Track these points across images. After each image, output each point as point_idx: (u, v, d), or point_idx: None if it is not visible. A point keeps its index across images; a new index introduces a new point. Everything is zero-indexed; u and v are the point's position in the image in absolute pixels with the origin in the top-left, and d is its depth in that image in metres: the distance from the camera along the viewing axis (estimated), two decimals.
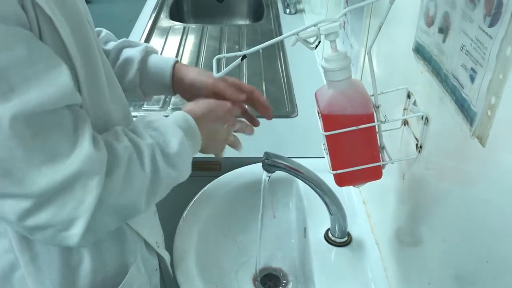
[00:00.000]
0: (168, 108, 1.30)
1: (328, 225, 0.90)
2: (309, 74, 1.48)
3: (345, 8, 0.57)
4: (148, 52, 0.85)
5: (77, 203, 0.52)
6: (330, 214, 0.87)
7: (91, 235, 0.55)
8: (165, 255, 0.85)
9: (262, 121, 1.25)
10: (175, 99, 1.34)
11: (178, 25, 1.85)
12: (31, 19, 0.49)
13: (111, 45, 0.85)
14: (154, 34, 1.75)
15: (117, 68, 0.84)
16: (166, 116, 0.69)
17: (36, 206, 0.50)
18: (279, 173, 0.86)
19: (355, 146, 0.64)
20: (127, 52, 0.84)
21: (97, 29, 0.87)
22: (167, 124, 0.65)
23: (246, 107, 0.88)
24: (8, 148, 0.48)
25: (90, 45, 0.61)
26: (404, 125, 0.70)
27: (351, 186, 0.97)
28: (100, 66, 0.63)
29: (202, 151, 0.73)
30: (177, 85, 0.85)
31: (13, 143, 0.48)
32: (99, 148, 0.54)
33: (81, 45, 0.58)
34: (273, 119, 1.26)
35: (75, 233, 0.53)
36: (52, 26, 0.51)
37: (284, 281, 1.01)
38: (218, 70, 0.63)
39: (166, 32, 1.78)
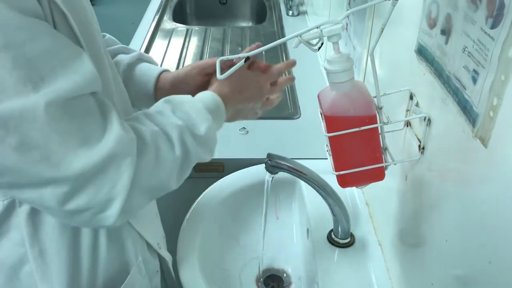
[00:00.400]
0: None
1: (331, 226, 0.90)
2: (312, 76, 1.48)
3: (348, 10, 0.57)
4: (139, 60, 0.84)
5: (112, 184, 0.53)
6: (333, 215, 0.87)
7: (126, 215, 0.57)
8: (167, 256, 0.85)
9: (265, 123, 1.26)
10: None
11: (181, 27, 1.85)
12: (47, 14, 0.51)
13: (108, 48, 0.84)
14: (157, 36, 1.76)
15: None
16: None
17: (75, 189, 0.52)
18: (282, 174, 0.86)
19: (358, 147, 0.64)
20: (118, 57, 0.84)
21: (101, 33, 0.88)
22: (198, 108, 0.65)
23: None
24: (45, 134, 0.49)
25: (96, 43, 0.61)
26: (407, 126, 0.70)
27: (354, 187, 0.97)
28: (106, 63, 0.64)
29: (228, 121, 0.74)
30: (160, 93, 0.82)
31: (49, 129, 0.49)
32: (127, 130, 0.56)
33: (88, 43, 0.59)
34: (276, 121, 1.27)
35: (111, 213, 0.55)
36: (66, 22, 0.53)
37: (287, 282, 1.01)
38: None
39: (169, 34, 1.78)
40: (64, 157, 0.50)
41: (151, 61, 0.87)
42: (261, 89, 0.77)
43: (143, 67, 0.84)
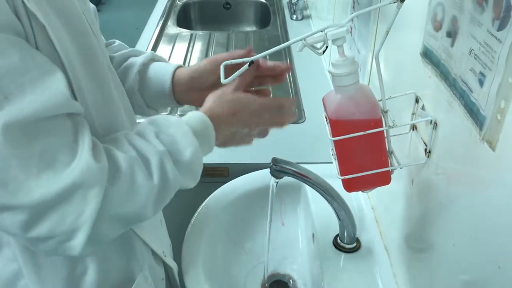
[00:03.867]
0: (176, 114, 1.31)
1: (336, 231, 0.89)
2: (316, 79, 1.48)
3: (352, 13, 0.57)
4: (152, 60, 0.82)
5: (77, 214, 0.51)
6: (339, 219, 0.86)
7: (93, 245, 0.54)
8: (173, 265, 0.84)
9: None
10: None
11: (185, 32, 1.86)
12: (26, 27, 0.49)
13: (119, 53, 0.84)
14: (161, 41, 1.76)
15: (119, 73, 0.81)
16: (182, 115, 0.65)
17: (35, 217, 0.49)
18: (287, 179, 0.86)
19: (363, 151, 0.63)
20: (131, 59, 0.82)
21: (111, 40, 0.87)
22: (183, 131, 0.61)
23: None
24: (2, 158, 0.47)
25: (93, 53, 0.61)
26: (413, 130, 0.69)
27: (360, 192, 0.96)
28: (107, 72, 0.63)
29: (219, 146, 0.69)
30: (177, 89, 0.79)
31: (7, 152, 0.47)
32: (99, 158, 0.53)
33: (84, 53, 0.58)
34: None
35: (76, 243, 0.52)
36: (46, 34, 0.51)
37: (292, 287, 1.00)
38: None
39: (173, 39, 1.79)
40: (23, 183, 0.48)
41: (163, 61, 0.84)
42: (257, 113, 0.70)
43: (156, 66, 0.81)
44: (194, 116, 0.64)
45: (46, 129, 0.49)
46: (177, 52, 1.68)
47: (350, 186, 0.67)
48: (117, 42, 0.87)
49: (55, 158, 0.50)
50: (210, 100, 0.68)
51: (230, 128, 0.68)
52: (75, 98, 0.55)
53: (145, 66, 0.80)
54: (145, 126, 0.61)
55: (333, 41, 0.57)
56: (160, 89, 0.79)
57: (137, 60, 0.81)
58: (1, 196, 0.48)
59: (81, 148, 0.52)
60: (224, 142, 0.69)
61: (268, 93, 0.78)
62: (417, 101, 0.67)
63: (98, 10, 0.83)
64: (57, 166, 0.50)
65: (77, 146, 0.52)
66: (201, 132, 0.63)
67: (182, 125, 0.62)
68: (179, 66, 0.80)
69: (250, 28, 2.22)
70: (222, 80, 0.62)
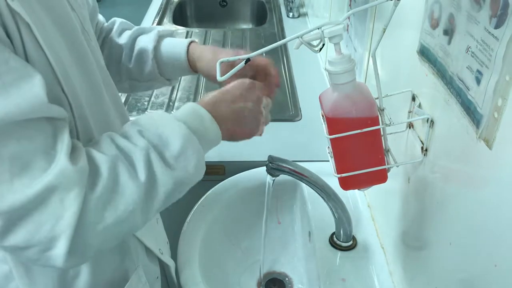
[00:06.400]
0: (172, 112, 1.30)
1: (333, 229, 0.89)
2: (313, 77, 1.47)
3: (349, 11, 0.56)
4: (160, 38, 0.84)
5: (55, 220, 0.48)
6: (335, 218, 0.86)
7: (78, 256, 0.51)
8: (170, 262, 0.83)
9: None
10: (178, 103, 1.34)
11: (181, 29, 1.85)
12: (10, 27, 0.48)
13: (125, 37, 0.85)
14: None
15: (134, 62, 0.83)
16: None
17: (8, 224, 0.47)
18: (283, 177, 0.86)
19: (360, 149, 0.63)
20: (140, 43, 0.83)
21: (112, 19, 0.88)
22: (167, 120, 0.59)
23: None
24: None
25: (83, 51, 0.60)
26: (409, 128, 0.69)
27: (356, 190, 0.96)
28: (96, 70, 0.63)
29: (230, 139, 0.67)
30: (195, 67, 0.82)
31: None
32: (77, 160, 0.51)
33: (74, 51, 0.57)
34: (277, 123, 1.26)
35: (58, 253, 0.49)
36: (32, 32, 0.50)
37: (289, 286, 1.00)
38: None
39: None
40: None
41: (169, 34, 0.86)
42: (250, 86, 0.69)
43: (166, 46, 0.83)
44: (182, 108, 0.62)
45: (19, 134, 0.47)
46: None
47: (346, 184, 0.66)
48: (118, 21, 0.87)
49: (29, 163, 0.47)
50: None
51: (226, 106, 0.65)
52: (66, 97, 0.54)
53: (157, 51, 0.82)
54: (128, 127, 0.59)
55: (330, 38, 0.57)
56: (179, 69, 0.83)
57: (148, 47, 0.82)
58: None
59: (59, 153, 0.49)
60: (233, 131, 0.66)
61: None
62: (413, 99, 0.67)
63: None
64: (32, 171, 0.47)
65: (55, 152, 0.49)
66: (188, 116, 0.61)
67: (167, 118, 0.60)
68: (190, 44, 0.82)
69: (247, 26, 2.21)
70: (218, 78, 0.61)
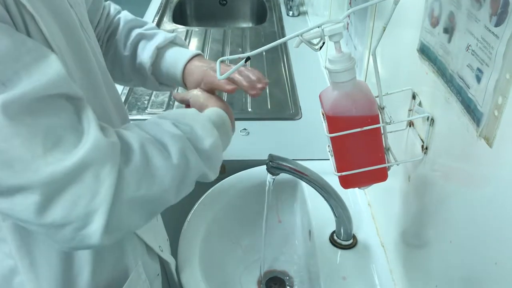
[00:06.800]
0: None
1: (333, 227, 0.89)
2: (313, 76, 1.47)
3: (349, 9, 0.56)
4: (160, 51, 0.81)
5: (91, 195, 0.48)
6: (335, 216, 0.86)
7: (114, 233, 0.51)
8: (170, 260, 0.84)
9: (266, 124, 1.26)
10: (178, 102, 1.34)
11: (181, 28, 1.85)
12: (15, 17, 0.48)
13: (128, 47, 0.83)
14: None
15: (136, 73, 0.83)
16: None
17: (47, 198, 0.47)
18: (283, 176, 0.86)
19: (360, 147, 0.63)
20: (139, 57, 0.82)
21: (116, 11, 0.87)
22: (202, 122, 0.63)
23: None
24: (4, 138, 0.45)
25: (82, 47, 0.60)
26: (410, 126, 0.69)
27: (356, 188, 0.96)
28: (95, 66, 0.63)
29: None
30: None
31: (9, 131, 0.45)
32: (109, 136, 0.51)
33: (73, 46, 0.57)
34: (277, 122, 1.27)
35: (95, 229, 0.49)
36: (36, 24, 0.50)
37: (289, 284, 1.00)
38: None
39: None
40: (30, 163, 0.46)
41: (170, 42, 0.84)
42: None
43: (165, 64, 0.81)
44: (211, 110, 0.69)
45: (47, 109, 0.48)
46: None
47: (346, 182, 0.66)
48: (123, 19, 0.85)
49: (61, 137, 0.48)
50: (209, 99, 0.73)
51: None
52: None
53: (155, 67, 0.82)
54: (161, 117, 0.60)
55: (330, 37, 0.56)
56: (172, 79, 0.83)
57: (146, 63, 0.81)
58: (9, 178, 0.46)
59: (87, 127, 0.50)
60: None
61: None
62: (414, 97, 0.67)
63: None
64: (64, 145, 0.47)
65: (82, 127, 0.50)
66: (219, 123, 0.65)
67: (200, 115, 0.64)
68: (195, 55, 0.80)
69: (246, 24, 2.21)
70: (218, 76, 0.61)
